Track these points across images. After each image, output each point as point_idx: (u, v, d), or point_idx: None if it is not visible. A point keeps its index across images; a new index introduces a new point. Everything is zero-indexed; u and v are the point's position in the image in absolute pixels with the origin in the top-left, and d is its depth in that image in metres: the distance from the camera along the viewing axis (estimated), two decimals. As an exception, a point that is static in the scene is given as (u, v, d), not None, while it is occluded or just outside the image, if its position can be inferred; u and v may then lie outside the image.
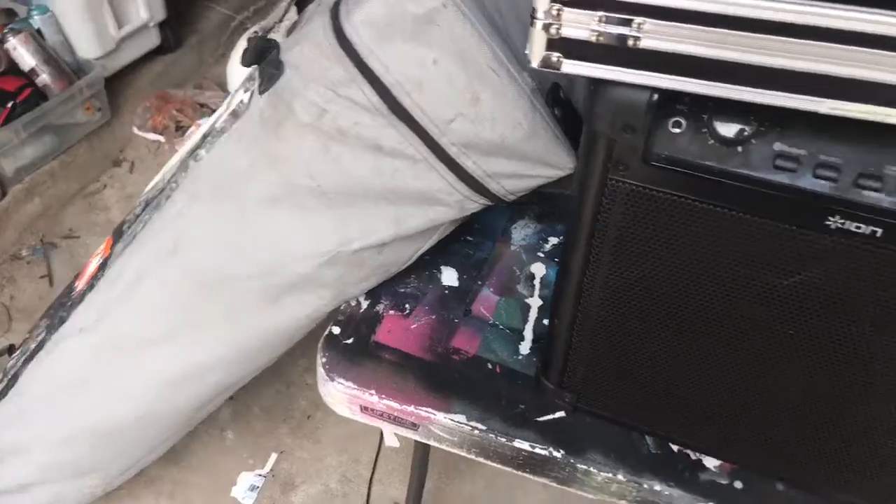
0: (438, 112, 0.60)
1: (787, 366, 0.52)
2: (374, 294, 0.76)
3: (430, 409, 0.66)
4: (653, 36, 0.39)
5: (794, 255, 0.45)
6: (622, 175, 0.47)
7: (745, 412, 0.57)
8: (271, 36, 0.73)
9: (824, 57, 0.37)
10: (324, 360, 0.70)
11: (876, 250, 0.43)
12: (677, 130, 0.45)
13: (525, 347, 0.72)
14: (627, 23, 0.38)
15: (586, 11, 0.39)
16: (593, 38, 0.39)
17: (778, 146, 0.43)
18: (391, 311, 0.75)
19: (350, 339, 0.72)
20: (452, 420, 0.66)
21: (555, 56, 0.41)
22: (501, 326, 0.74)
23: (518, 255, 0.81)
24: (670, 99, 0.44)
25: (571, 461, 0.63)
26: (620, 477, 0.62)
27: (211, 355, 0.79)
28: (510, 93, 0.58)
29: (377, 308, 0.75)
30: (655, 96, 0.42)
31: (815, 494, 0.60)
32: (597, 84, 0.43)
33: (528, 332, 0.73)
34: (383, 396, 0.67)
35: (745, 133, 0.43)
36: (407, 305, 0.75)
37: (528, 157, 0.62)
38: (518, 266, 0.80)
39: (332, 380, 0.69)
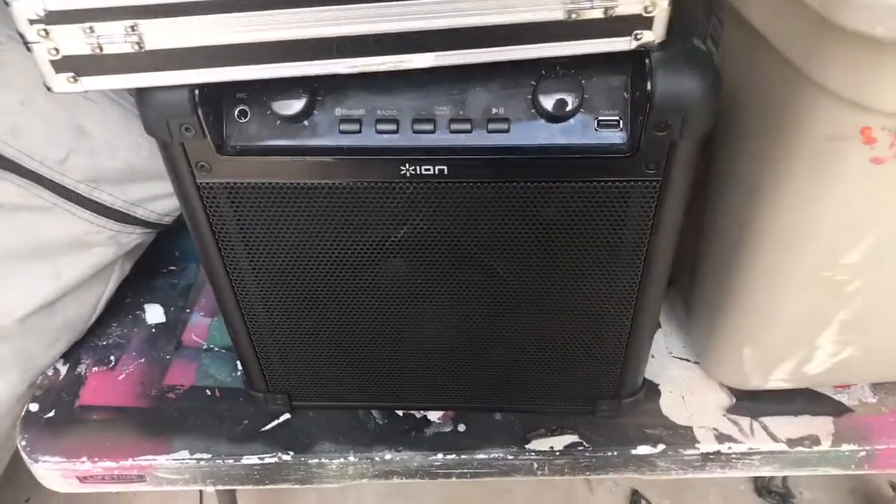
0: (47, 154, 0.56)
1: (444, 309, 0.54)
2: (71, 355, 0.70)
3: (150, 457, 0.63)
4: (155, 36, 0.38)
5: (391, 209, 0.47)
6: (209, 176, 0.46)
7: (434, 360, 0.59)
8: None
9: (320, 21, 0.38)
10: (23, 443, 0.64)
11: (448, 186, 0.45)
12: (244, 119, 0.45)
13: (243, 362, 0.70)
14: (119, 29, 0.37)
15: (73, 26, 0.37)
16: (97, 51, 0.38)
17: (339, 112, 0.44)
18: (95, 368, 0.70)
19: (52, 412, 0.66)
20: (176, 459, 0.63)
21: (69, 77, 0.39)
22: (217, 348, 0.71)
23: (229, 270, 0.79)
24: (226, 89, 0.43)
25: (302, 459, 0.63)
26: (352, 458, 0.63)
27: None
28: (115, 116, 0.56)
29: (78, 369, 0.70)
30: (196, 91, 0.42)
31: (525, 413, 0.64)
32: (136, 93, 0.42)
33: (246, 345, 0.71)
34: (97, 460, 0.63)
35: (306, 107, 0.44)
36: (112, 357, 0.71)
37: (166, 174, 0.60)
38: (230, 281, 0.77)
39: (37, 461, 0.63)
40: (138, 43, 0.38)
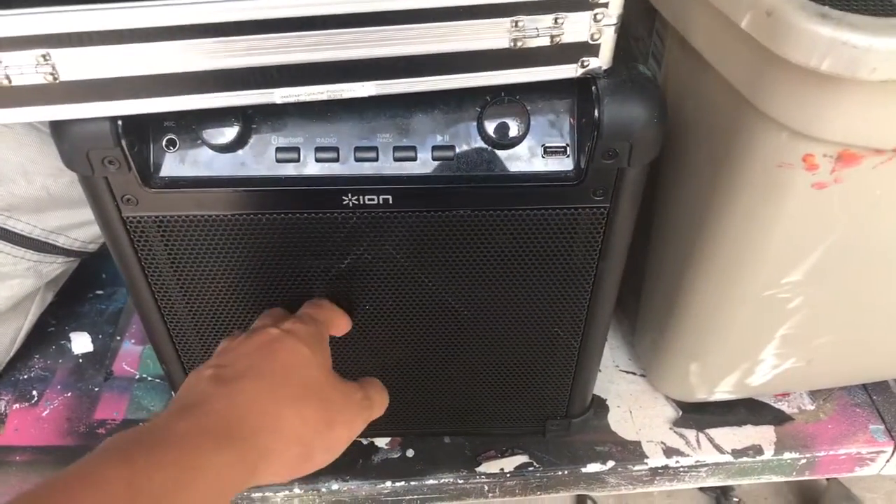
0: (-45, 182, 0.51)
1: (390, 338, 0.52)
2: (-11, 392, 0.66)
3: (79, 499, 0.59)
4: (70, 66, 0.35)
5: (334, 240, 0.45)
6: (136, 210, 0.43)
7: (387, 384, 0.57)
8: None
9: (252, 50, 0.36)
10: (-63, 491, 0.59)
11: (392, 215, 0.43)
12: (173, 149, 0.42)
13: (179, 392, 0.67)
14: (30, 59, 0.34)
15: (-24, 55, 0.33)
16: (5, 83, 0.35)
17: (276, 140, 0.42)
18: (16, 405, 0.65)
19: (-32, 455, 0.62)
20: (108, 501, 0.59)
21: (-26, 109, 0.36)
22: (150, 378, 0.68)
23: (161, 293, 0.75)
24: (152, 117, 0.40)
25: (244, 492, 0.60)
26: (298, 490, 0.61)
27: None
28: (31, 141, 0.52)
29: (-3, 407, 0.65)
30: (119, 122, 0.39)
31: (473, 435, 0.63)
32: (52, 126, 0.39)
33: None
34: (21, 505, 0.59)
35: (239, 135, 0.41)
36: (34, 392, 0.66)
37: (89, 201, 0.56)
38: (163, 305, 0.74)
39: (-47, 510, 0.58)
40: (52, 74, 0.35)
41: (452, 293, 0.49)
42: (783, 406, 0.67)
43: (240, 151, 0.42)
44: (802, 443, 0.64)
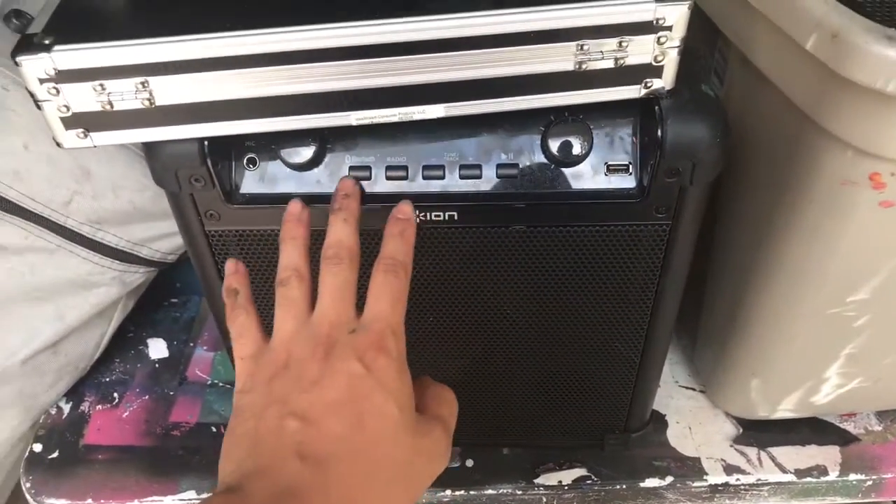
0: (51, 196, 0.55)
1: (453, 349, 0.54)
2: (75, 393, 0.70)
3: (156, 498, 0.62)
4: (165, 92, 0.38)
5: (401, 254, 0.47)
6: (218, 225, 0.46)
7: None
8: None
9: (329, 76, 0.38)
10: (28, 484, 0.64)
11: (458, 231, 0.45)
12: (253, 167, 0.44)
13: (248, 397, 0.69)
14: (130, 86, 0.37)
15: (83, 84, 0.37)
16: (107, 108, 0.38)
17: (349, 159, 0.44)
18: (99, 406, 0.69)
19: (55, 453, 0.66)
20: (183, 500, 0.62)
21: (79, 133, 0.39)
22: (221, 384, 0.71)
23: (231, 302, 0.78)
24: (235, 138, 0.43)
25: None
26: (360, 496, 0.63)
27: None
28: (119, 158, 0.56)
29: (82, 407, 0.69)
30: (206, 143, 0.41)
31: (532, 447, 0.64)
32: (145, 145, 0.42)
33: (251, 380, 0.71)
34: (103, 502, 0.62)
35: (315, 155, 0.44)
36: (115, 394, 0.70)
37: (170, 214, 0.60)
38: (233, 314, 0.77)
39: (42, 503, 0.63)
40: (149, 99, 0.38)
41: (515, 307, 0.50)
42: (849, 426, 0.65)
43: (315, 170, 0.44)
44: (869, 464, 0.63)
